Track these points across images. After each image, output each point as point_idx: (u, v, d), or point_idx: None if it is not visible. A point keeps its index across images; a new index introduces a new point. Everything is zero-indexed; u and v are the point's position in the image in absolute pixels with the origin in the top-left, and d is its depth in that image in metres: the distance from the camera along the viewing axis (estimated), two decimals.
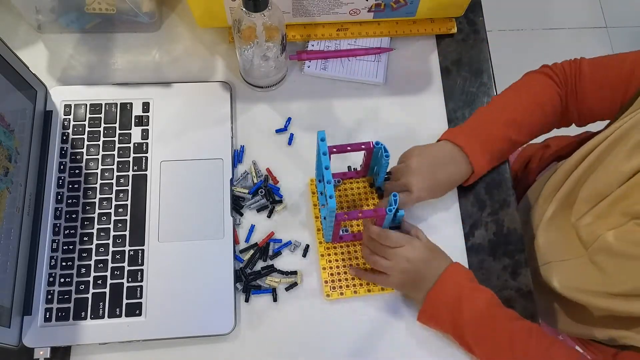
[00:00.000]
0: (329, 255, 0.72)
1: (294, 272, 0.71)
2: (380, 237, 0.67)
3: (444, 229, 0.74)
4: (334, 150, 0.66)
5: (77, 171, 0.73)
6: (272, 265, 0.71)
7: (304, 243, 0.73)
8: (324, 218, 0.70)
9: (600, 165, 0.69)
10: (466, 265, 0.73)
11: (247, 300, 0.70)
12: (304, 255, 0.72)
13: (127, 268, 0.69)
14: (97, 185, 0.72)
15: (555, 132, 0.80)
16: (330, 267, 0.72)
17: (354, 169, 0.76)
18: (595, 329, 0.72)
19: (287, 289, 0.71)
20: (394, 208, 0.64)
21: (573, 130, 0.84)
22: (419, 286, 0.67)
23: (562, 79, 0.75)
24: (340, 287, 0.71)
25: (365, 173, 0.75)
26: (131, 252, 0.70)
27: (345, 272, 0.72)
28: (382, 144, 0.66)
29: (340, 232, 0.71)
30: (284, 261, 0.72)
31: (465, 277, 0.67)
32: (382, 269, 0.68)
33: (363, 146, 0.67)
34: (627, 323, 0.67)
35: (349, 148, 0.67)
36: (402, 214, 0.66)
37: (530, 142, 0.96)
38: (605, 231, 0.66)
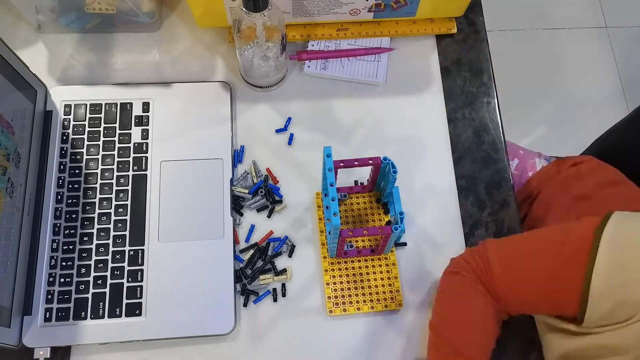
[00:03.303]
0: (333, 270, 0.71)
1: (284, 270, 0.71)
2: None
3: (444, 229, 0.75)
4: (341, 164, 0.65)
5: (77, 171, 0.73)
6: (272, 263, 0.71)
7: (299, 248, 0.73)
8: (329, 233, 0.70)
9: None
10: None
11: (245, 305, 0.70)
12: (290, 255, 0.72)
13: (127, 268, 0.69)
14: (97, 185, 0.72)
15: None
16: (334, 283, 0.71)
17: (360, 183, 0.76)
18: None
19: (284, 295, 0.70)
20: (399, 226, 0.63)
21: (570, 137, 0.83)
22: None
23: (479, 277, 0.63)
24: (344, 303, 0.70)
25: (372, 188, 0.74)
26: (131, 252, 0.70)
27: (349, 288, 0.70)
28: (389, 160, 0.65)
29: (345, 248, 0.70)
30: (280, 261, 0.72)
31: None
32: None
33: (370, 161, 0.66)
34: None
35: (356, 163, 0.65)
36: (404, 230, 0.64)
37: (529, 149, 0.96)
38: None
